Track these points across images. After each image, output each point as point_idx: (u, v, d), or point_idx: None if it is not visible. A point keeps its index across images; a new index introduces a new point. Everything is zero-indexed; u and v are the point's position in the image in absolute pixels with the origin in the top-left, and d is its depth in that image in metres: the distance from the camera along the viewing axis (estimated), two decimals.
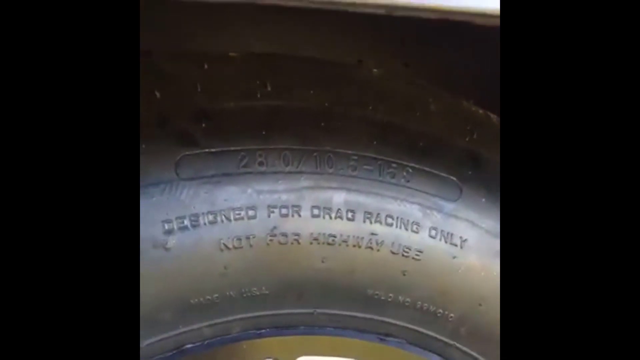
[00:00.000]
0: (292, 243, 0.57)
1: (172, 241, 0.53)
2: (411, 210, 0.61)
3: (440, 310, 0.64)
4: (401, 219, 0.60)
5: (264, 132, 0.57)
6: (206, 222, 0.54)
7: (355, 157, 0.59)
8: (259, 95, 0.58)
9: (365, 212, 0.59)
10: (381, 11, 0.35)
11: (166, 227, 0.53)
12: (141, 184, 0.54)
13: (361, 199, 0.59)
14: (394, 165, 0.61)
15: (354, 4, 0.35)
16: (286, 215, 0.56)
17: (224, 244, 0.55)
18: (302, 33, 0.59)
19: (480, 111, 0.66)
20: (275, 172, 0.57)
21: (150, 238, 0.53)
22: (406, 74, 0.64)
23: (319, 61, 0.61)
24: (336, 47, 0.61)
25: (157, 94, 0.56)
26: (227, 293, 0.57)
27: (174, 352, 0.56)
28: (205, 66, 0.58)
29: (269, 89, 0.59)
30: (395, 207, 0.60)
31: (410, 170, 0.61)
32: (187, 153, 0.55)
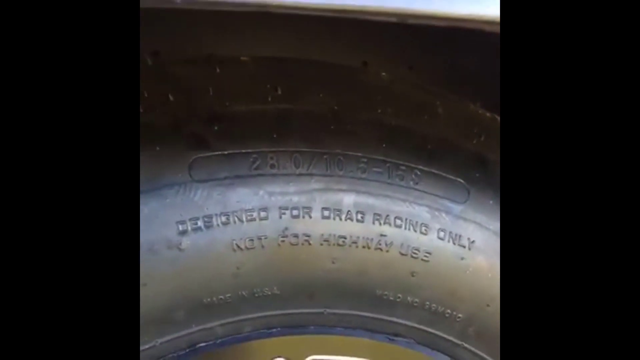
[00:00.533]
0: (303, 244, 0.58)
1: (186, 242, 0.54)
2: (420, 212, 0.62)
3: (449, 311, 0.64)
4: (410, 220, 0.61)
5: (274, 135, 0.58)
6: (219, 223, 0.55)
7: (365, 160, 0.60)
8: (269, 99, 0.60)
9: (374, 213, 0.60)
10: (393, 19, 0.36)
11: (180, 228, 0.54)
12: (155, 185, 0.55)
13: (370, 200, 0.60)
14: (402, 167, 0.62)
15: (366, 12, 0.36)
16: (297, 217, 0.57)
17: (237, 245, 0.56)
18: (309, 36, 0.60)
19: (487, 114, 0.67)
20: (286, 174, 0.58)
21: (165, 239, 0.54)
22: (413, 78, 0.65)
23: (328, 65, 0.62)
24: (341, 50, 0.61)
25: (171, 98, 0.57)
26: (240, 293, 0.58)
27: (187, 350, 0.57)
28: (217, 70, 0.59)
29: (280, 92, 0.60)
30: (404, 208, 0.61)
31: (419, 172, 0.62)
32: (200, 155, 0.56)
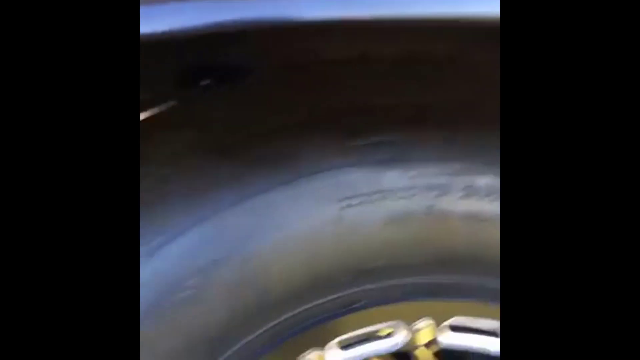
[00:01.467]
0: (444, 220, 0.66)
1: (346, 216, 0.65)
2: None
3: None
4: None
5: (417, 125, 0.66)
6: (374, 201, 0.65)
7: (497, 145, 0.67)
8: (408, 94, 0.68)
9: None
10: None
11: (342, 204, 0.65)
12: (319, 169, 0.65)
13: None
14: None
15: None
16: (440, 196, 0.66)
17: (389, 219, 0.65)
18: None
19: None
20: (428, 160, 0.66)
21: (331, 214, 0.64)
22: None
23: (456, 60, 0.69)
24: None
25: (330, 97, 0.67)
26: (390, 261, 0.67)
27: (347, 309, 0.68)
28: (366, 69, 0.68)
29: (416, 88, 0.68)
30: None
31: None
32: (355, 143, 0.66)
